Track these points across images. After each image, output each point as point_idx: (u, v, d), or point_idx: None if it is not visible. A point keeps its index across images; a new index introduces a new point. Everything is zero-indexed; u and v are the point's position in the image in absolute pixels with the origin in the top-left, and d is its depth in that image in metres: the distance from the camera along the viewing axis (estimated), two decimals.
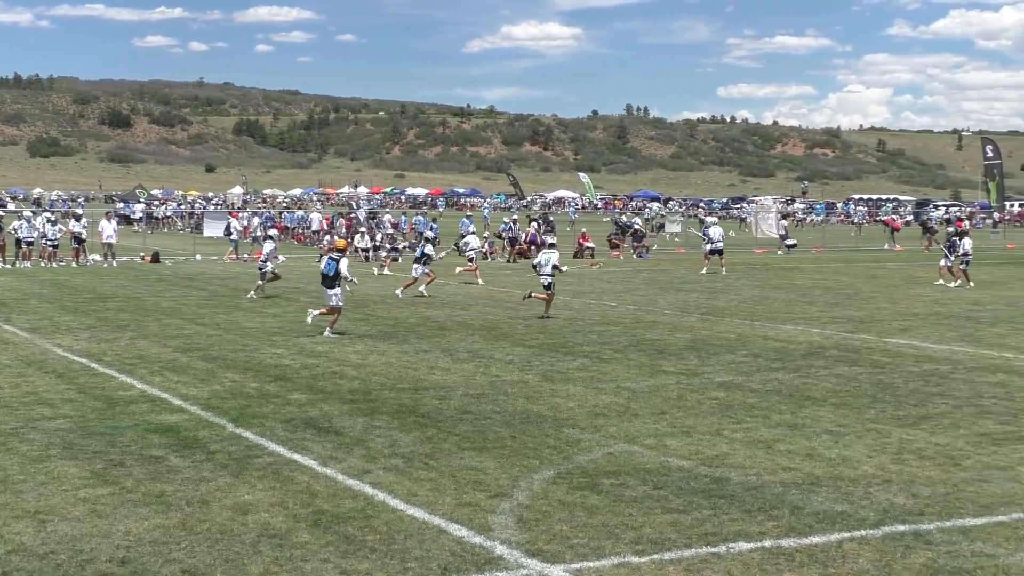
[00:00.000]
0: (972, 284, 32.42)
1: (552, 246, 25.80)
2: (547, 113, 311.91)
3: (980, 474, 10.79)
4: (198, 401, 14.26)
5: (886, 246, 56.88)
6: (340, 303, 21.22)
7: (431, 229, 47.69)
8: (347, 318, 23.70)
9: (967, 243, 33.07)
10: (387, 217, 57.79)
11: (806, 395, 15.02)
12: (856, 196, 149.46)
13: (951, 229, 36.96)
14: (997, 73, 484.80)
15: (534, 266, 25.07)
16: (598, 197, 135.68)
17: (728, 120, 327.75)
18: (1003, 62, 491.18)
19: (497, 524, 9.04)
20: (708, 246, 38.77)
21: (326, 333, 20.63)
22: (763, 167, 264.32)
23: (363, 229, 47.43)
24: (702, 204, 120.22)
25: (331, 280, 20.96)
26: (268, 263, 28.29)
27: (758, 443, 12.06)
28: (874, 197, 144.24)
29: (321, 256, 42.28)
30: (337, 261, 21.00)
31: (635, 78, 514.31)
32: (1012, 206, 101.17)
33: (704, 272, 37.20)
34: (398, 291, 28.16)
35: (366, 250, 43.35)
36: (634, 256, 47.99)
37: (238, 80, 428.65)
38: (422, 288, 28.40)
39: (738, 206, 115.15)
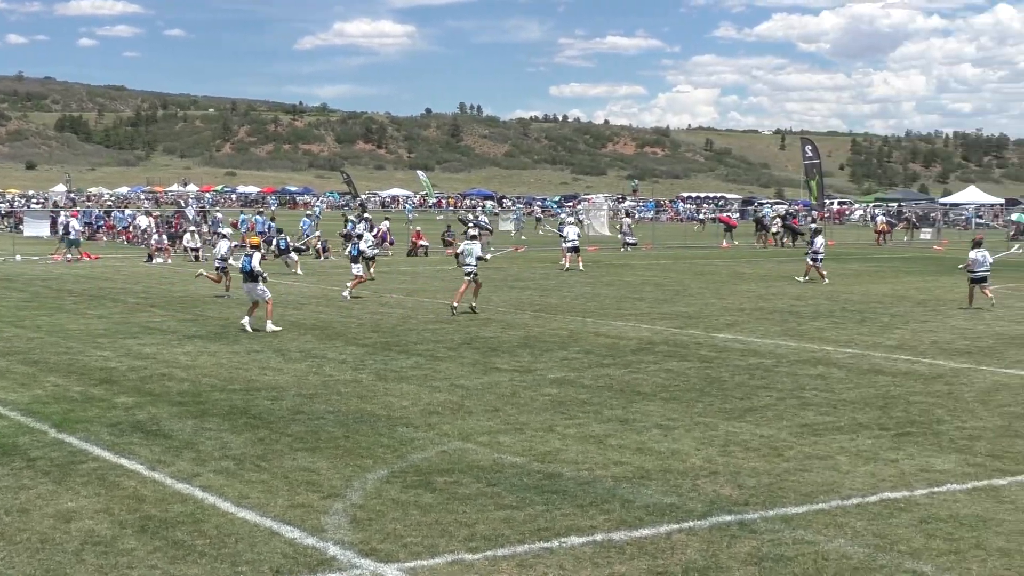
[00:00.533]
0: (805, 279, 34.23)
1: (474, 238, 25.72)
2: (380, 111, 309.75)
3: (802, 464, 11.16)
4: (17, 406, 13.77)
5: (724, 243, 58.82)
6: (268, 295, 21.53)
7: (269, 228, 47.03)
8: (175, 319, 23.22)
9: (819, 241, 34.87)
10: (219, 215, 56.74)
11: (636, 390, 15.30)
12: (685, 194, 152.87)
13: (814, 226, 39.44)
14: (817, 75, 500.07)
15: (457, 255, 25.08)
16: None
17: (560, 119, 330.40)
18: (822, 64, 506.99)
19: (330, 524, 8.97)
20: (565, 244, 40.04)
21: (268, 327, 20.98)
22: (595, 165, 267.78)
23: (193, 228, 46.48)
24: (537, 202, 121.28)
25: (252, 276, 21.32)
26: (228, 260, 28.06)
27: (590, 438, 12.23)
28: (702, 195, 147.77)
29: (150, 256, 41.60)
30: (251, 257, 21.41)
31: (468, 77, 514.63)
32: (832, 204, 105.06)
33: (565, 267, 38.50)
34: (345, 293, 27.65)
35: (195, 249, 42.44)
36: None
37: (60, 75, 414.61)
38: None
39: (570, 204, 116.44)
